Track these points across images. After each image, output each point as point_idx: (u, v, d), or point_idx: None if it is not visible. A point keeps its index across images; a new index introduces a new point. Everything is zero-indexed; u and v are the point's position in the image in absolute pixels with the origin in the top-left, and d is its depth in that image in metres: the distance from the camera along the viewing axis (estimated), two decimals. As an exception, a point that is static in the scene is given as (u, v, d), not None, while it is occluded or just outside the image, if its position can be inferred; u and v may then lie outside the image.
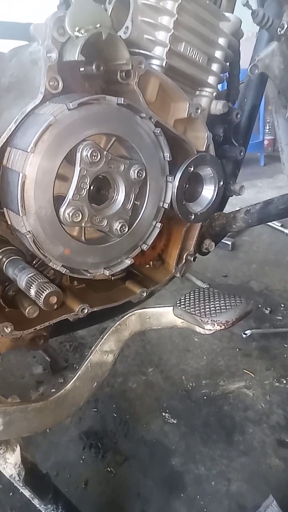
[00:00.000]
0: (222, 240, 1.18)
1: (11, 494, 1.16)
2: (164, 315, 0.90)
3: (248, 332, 1.80)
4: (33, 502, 0.87)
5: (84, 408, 1.24)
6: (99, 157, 0.70)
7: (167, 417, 1.41)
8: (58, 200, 0.70)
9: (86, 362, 0.84)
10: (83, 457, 1.27)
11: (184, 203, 0.88)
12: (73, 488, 1.17)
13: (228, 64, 0.98)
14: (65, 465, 1.24)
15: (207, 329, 0.80)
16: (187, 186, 0.88)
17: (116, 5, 0.80)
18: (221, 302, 0.82)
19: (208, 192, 0.93)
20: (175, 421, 1.39)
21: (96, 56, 0.71)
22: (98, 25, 0.68)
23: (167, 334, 1.80)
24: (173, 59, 0.83)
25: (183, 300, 0.86)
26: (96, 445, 1.30)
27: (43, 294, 0.66)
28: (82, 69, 0.71)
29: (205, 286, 2.20)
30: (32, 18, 0.78)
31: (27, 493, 0.84)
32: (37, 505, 0.87)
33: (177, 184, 0.84)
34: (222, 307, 0.80)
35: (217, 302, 0.82)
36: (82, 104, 0.67)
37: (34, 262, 0.82)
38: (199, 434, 1.34)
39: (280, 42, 1.00)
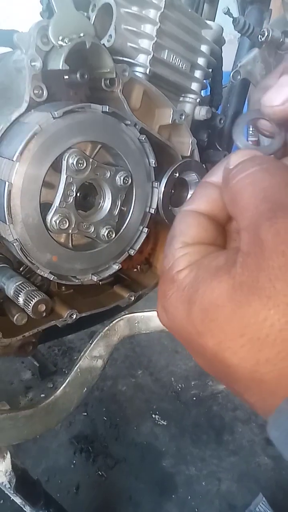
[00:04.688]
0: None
1: (1, 501, 1.15)
2: (152, 319, 0.91)
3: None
4: (25, 509, 0.87)
5: (74, 412, 1.24)
6: (85, 164, 0.70)
7: (157, 419, 1.42)
8: (44, 207, 0.70)
9: (76, 368, 0.84)
10: (74, 461, 1.27)
11: (170, 208, 0.89)
12: (65, 493, 1.17)
13: (211, 70, 0.99)
14: (56, 470, 1.24)
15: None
16: (173, 191, 0.89)
17: (99, 13, 0.80)
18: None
19: (194, 196, 0.94)
20: (165, 423, 1.40)
21: (80, 64, 0.71)
22: (81, 34, 0.69)
23: (156, 336, 1.81)
24: (156, 66, 0.84)
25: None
26: (86, 449, 1.30)
27: (31, 302, 0.67)
28: (66, 77, 0.71)
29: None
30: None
31: (18, 500, 0.84)
32: (29, 512, 0.87)
33: (162, 189, 0.85)
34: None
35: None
36: (67, 113, 0.67)
37: (21, 269, 0.82)
38: (189, 435, 1.36)
39: (261, 48, 1.02)
